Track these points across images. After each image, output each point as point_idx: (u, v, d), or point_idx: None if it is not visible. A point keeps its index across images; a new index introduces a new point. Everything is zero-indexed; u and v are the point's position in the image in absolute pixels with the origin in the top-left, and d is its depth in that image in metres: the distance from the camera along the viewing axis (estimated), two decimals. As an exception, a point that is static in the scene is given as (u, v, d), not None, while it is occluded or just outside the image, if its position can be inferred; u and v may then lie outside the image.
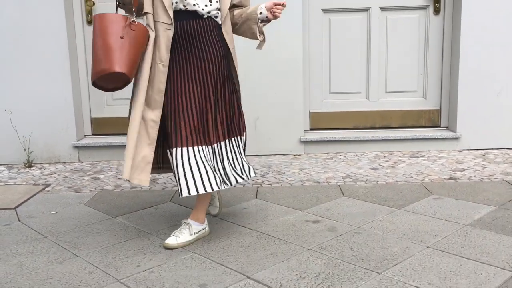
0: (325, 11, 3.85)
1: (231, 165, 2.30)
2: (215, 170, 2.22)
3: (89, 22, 3.84)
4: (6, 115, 3.68)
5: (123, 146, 3.80)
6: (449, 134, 3.79)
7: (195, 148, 2.16)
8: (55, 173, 3.52)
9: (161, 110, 2.18)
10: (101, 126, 3.97)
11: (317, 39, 3.87)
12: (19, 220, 2.63)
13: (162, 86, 2.16)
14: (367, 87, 3.95)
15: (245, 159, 2.39)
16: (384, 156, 3.68)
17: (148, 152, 2.17)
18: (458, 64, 3.70)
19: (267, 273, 1.97)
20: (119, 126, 3.95)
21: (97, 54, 2.02)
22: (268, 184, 3.13)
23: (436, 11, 3.80)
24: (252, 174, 2.37)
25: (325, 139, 3.82)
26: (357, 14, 3.85)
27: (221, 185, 2.18)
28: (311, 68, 3.90)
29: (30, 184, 3.29)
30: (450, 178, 3.12)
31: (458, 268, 1.95)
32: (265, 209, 2.69)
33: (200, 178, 2.12)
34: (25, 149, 3.71)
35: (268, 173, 3.36)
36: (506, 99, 3.73)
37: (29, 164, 3.69)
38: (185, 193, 2.11)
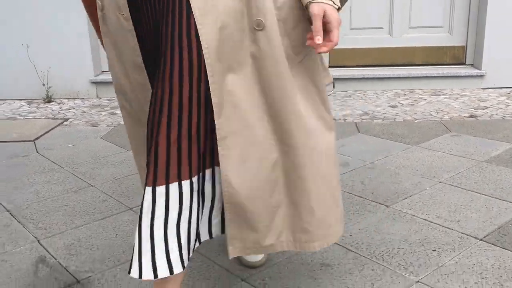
0: None
1: None
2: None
3: (103, -46, 3.73)
4: (24, 49, 3.69)
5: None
6: (474, 71, 3.65)
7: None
8: (74, 108, 3.56)
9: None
10: (118, 62, 3.95)
11: (338, -29, 3.69)
12: (37, 152, 2.70)
13: (139, 59, 1.18)
14: (390, 22, 3.80)
15: None
16: (405, 94, 3.59)
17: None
18: (487, -3, 3.50)
19: (276, 204, 1.99)
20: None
21: None
22: (283, 121, 3.10)
23: None
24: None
25: (344, 76, 3.73)
26: None
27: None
28: (331, 2, 3.74)
29: (49, 118, 3.35)
30: (471, 116, 3.03)
31: (469, 202, 1.93)
32: (279, 144, 2.68)
33: None
34: (43, 84, 3.74)
35: (284, 110, 3.33)
36: (537, 34, 3.54)
37: (48, 99, 3.74)
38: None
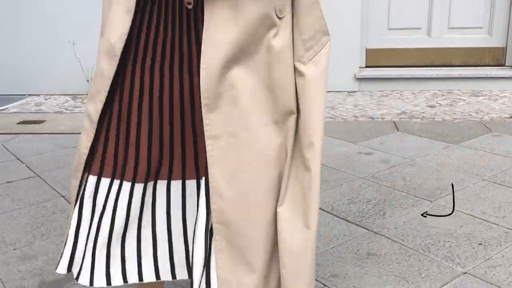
0: None
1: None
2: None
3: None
4: (70, 46, 3.83)
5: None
6: (514, 73, 3.62)
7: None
8: (116, 104, 3.68)
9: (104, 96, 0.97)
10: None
11: (377, -29, 3.72)
12: (85, 144, 2.81)
13: (120, 45, 0.98)
14: (428, 22, 3.79)
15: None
16: (443, 95, 3.58)
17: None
18: (530, -3, 3.47)
19: (320, 196, 2.03)
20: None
21: None
22: (322, 118, 3.14)
23: None
24: None
25: (381, 76, 3.74)
26: None
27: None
28: (369, 2, 3.77)
29: (93, 113, 3.47)
30: (512, 117, 3.02)
31: (513, 199, 1.94)
32: (318, 141, 2.72)
33: None
34: (87, 81, 3.88)
35: (322, 108, 3.37)
36: None
37: (92, 95, 3.87)
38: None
